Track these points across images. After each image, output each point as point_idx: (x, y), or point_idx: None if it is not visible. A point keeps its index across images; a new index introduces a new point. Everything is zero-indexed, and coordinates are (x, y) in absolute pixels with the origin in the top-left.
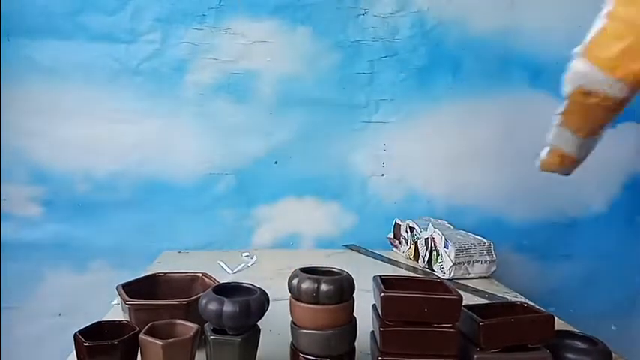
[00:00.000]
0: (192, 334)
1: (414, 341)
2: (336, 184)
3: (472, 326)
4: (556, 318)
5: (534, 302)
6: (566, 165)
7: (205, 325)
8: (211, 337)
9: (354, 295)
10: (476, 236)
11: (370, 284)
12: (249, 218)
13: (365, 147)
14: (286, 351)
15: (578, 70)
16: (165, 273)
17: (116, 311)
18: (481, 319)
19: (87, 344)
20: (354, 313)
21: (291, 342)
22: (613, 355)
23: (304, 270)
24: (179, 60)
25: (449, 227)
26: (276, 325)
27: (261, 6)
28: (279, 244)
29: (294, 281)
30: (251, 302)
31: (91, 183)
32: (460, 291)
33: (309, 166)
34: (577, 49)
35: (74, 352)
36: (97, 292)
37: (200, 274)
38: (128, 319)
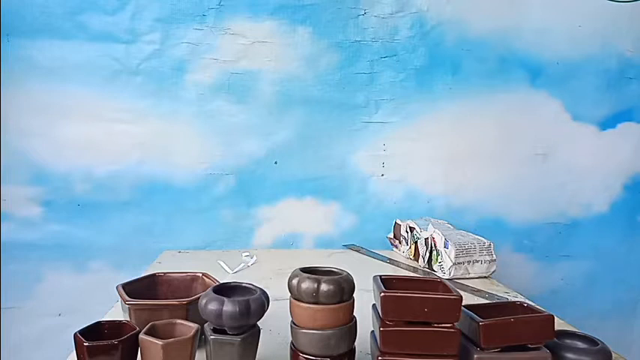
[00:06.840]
0: (192, 334)
1: (414, 341)
2: (335, 184)
3: (472, 326)
4: (556, 318)
5: (534, 302)
6: None
7: (205, 325)
8: (211, 337)
9: (354, 295)
10: (476, 236)
11: (370, 284)
12: (249, 218)
13: (365, 147)
14: (286, 351)
15: None
16: (165, 273)
17: (116, 311)
18: (481, 319)
19: (87, 344)
20: (354, 313)
21: (291, 342)
22: (613, 355)
23: (304, 270)
24: (179, 60)
25: (449, 227)
26: (276, 325)
27: (261, 6)
28: (279, 244)
29: (294, 281)
30: (251, 302)
31: (90, 183)
32: (460, 291)
33: (309, 166)
34: None
35: (74, 352)
36: (97, 292)
37: (200, 274)
38: (128, 319)
